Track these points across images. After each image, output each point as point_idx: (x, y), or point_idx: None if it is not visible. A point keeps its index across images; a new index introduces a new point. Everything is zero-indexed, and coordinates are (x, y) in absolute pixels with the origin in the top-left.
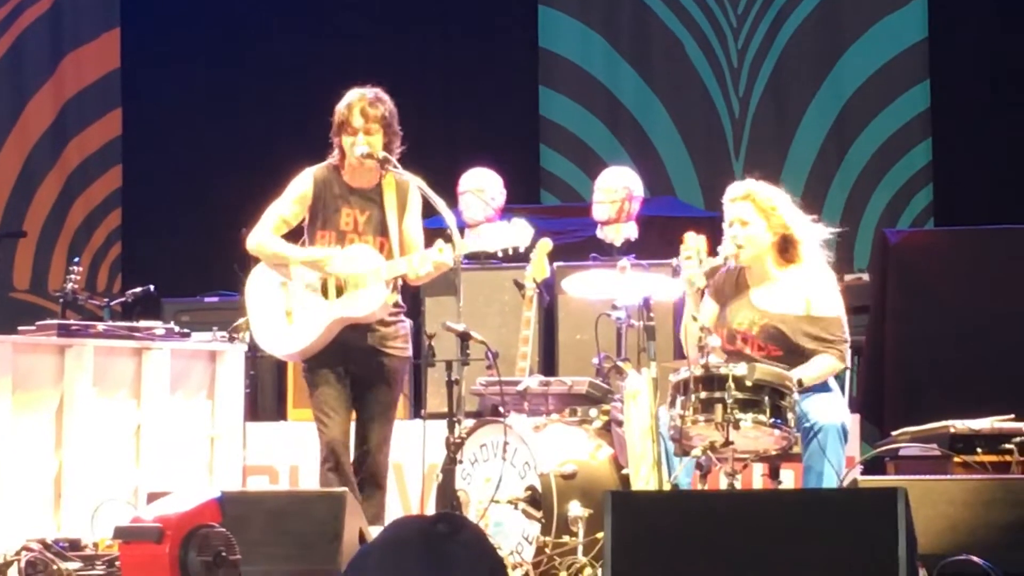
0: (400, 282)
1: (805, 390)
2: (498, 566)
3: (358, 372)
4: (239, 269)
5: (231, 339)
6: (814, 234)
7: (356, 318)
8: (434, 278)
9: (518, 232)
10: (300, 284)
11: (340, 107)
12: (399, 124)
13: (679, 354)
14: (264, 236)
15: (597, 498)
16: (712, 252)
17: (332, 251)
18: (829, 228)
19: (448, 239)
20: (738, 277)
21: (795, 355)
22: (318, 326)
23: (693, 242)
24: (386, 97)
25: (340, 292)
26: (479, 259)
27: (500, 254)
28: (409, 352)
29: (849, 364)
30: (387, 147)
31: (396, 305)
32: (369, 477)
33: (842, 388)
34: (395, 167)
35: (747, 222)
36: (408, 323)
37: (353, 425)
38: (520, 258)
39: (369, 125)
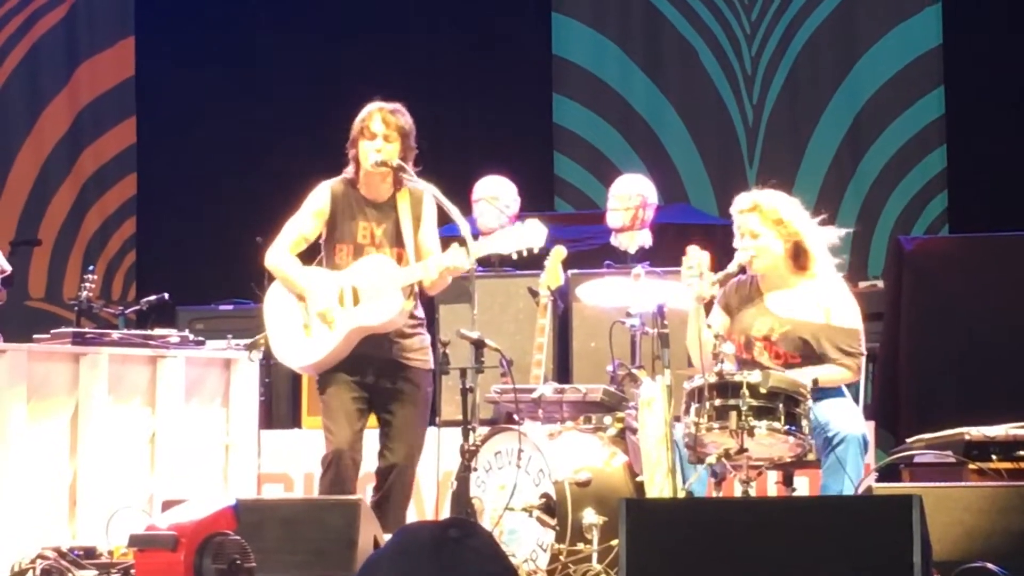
0: (417, 290)
1: (818, 390)
2: (510, 572)
3: (379, 385)
4: (256, 287)
5: (249, 355)
6: (823, 241)
7: (374, 327)
8: (448, 286)
9: (532, 233)
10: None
11: (360, 115)
12: (415, 140)
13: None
14: (278, 257)
15: (612, 505)
16: (714, 265)
17: (322, 282)
18: (838, 231)
19: (462, 243)
20: (750, 285)
21: (814, 363)
22: (336, 336)
23: (696, 257)
24: (406, 112)
25: (357, 302)
26: (493, 267)
27: (515, 256)
28: (430, 364)
29: (862, 376)
30: (403, 160)
31: (414, 316)
32: (391, 491)
33: (856, 395)
34: (409, 176)
35: (757, 233)
36: (427, 334)
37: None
38: (534, 266)
39: (389, 132)
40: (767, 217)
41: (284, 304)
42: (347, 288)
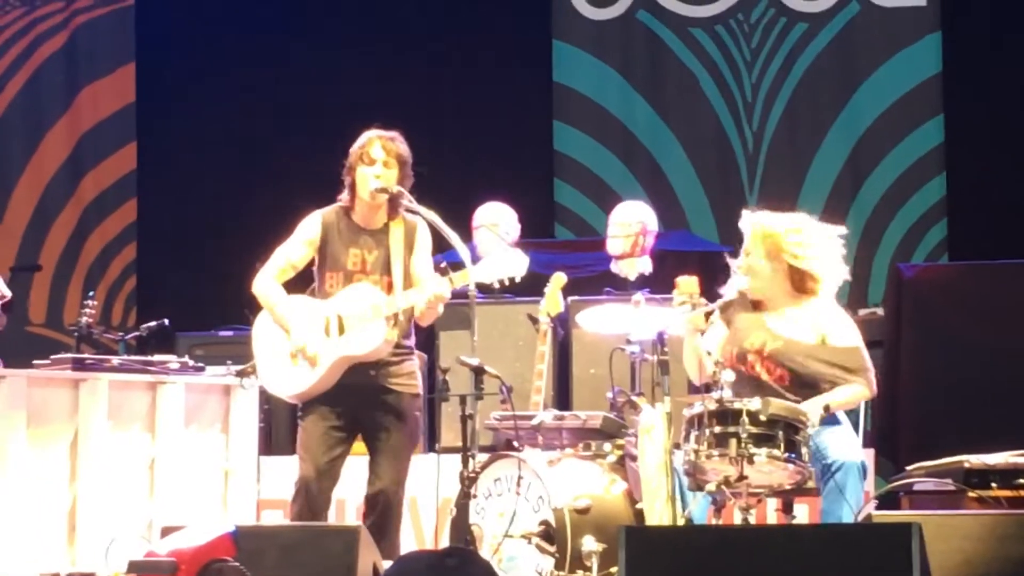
0: (403, 319)
1: (825, 419)
2: None
3: (363, 413)
4: (249, 312)
5: (240, 383)
6: (830, 264)
7: (358, 356)
8: (447, 313)
9: (513, 263)
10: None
11: (358, 142)
12: (412, 168)
13: (693, 389)
14: (264, 284)
15: (611, 533)
16: (703, 291)
17: (304, 313)
18: (842, 248)
19: (444, 272)
20: (752, 302)
21: (803, 385)
22: (321, 366)
23: (685, 286)
24: (403, 140)
25: (343, 331)
26: (493, 293)
27: (497, 285)
28: (418, 388)
29: (862, 404)
30: (400, 186)
31: (401, 345)
32: (382, 517)
33: (856, 423)
34: (409, 201)
35: (749, 252)
36: (417, 359)
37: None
38: (534, 292)
39: (388, 159)
40: (756, 235)
41: (272, 332)
42: (332, 317)
